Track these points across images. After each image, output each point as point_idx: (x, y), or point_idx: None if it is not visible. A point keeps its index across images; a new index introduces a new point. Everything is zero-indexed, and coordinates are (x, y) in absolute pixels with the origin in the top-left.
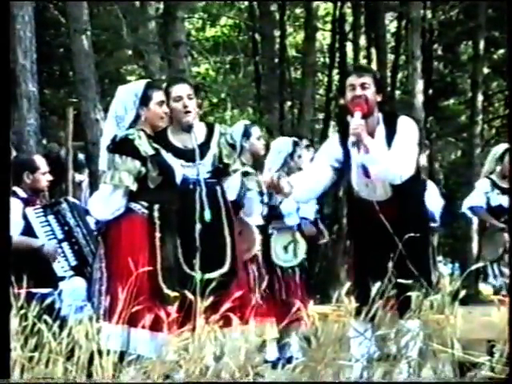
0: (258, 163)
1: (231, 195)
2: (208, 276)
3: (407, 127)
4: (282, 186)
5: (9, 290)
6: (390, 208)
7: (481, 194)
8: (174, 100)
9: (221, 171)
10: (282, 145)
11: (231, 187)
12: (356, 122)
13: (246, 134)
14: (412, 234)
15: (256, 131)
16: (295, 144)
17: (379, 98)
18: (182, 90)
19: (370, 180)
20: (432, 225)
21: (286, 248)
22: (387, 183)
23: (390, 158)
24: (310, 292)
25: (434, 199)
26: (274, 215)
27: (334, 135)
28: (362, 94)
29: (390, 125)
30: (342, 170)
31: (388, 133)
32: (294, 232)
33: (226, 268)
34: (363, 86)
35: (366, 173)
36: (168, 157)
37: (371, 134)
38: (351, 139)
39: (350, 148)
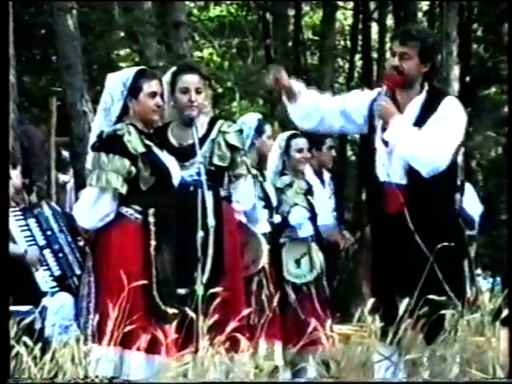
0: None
1: (246, 205)
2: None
3: (451, 108)
4: (288, 85)
5: (9, 290)
6: (410, 198)
7: None
8: (179, 91)
9: (211, 174)
10: (276, 141)
11: (244, 196)
12: (381, 100)
13: (259, 130)
14: (446, 244)
15: (269, 129)
16: (290, 137)
17: (425, 69)
18: (190, 81)
19: (388, 156)
20: (469, 233)
21: (298, 262)
22: (401, 168)
23: (420, 139)
24: (330, 312)
25: (472, 204)
26: (286, 224)
27: (371, 92)
28: (399, 65)
29: (432, 101)
30: (355, 126)
31: (425, 108)
32: (309, 244)
33: (202, 281)
34: (402, 56)
35: (385, 143)
36: (162, 155)
37: (403, 107)
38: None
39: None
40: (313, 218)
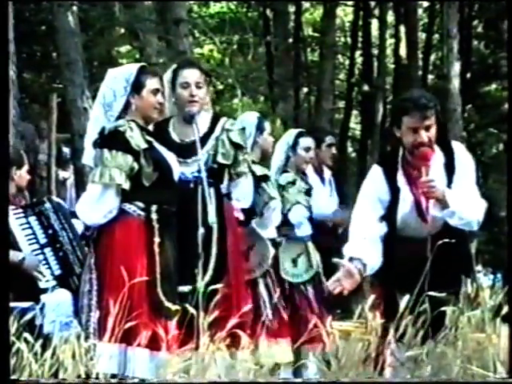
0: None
1: (245, 203)
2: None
3: (467, 159)
4: (357, 277)
5: (9, 289)
6: (434, 243)
7: None
8: (180, 86)
9: (213, 171)
10: (284, 137)
11: (244, 194)
12: (428, 181)
13: (260, 128)
14: (447, 240)
15: (268, 126)
16: (299, 135)
17: (437, 126)
18: (190, 75)
19: (424, 223)
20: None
21: (295, 261)
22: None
23: (468, 204)
24: (328, 310)
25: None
26: (284, 222)
27: (375, 172)
28: (428, 140)
29: (447, 152)
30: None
31: (447, 169)
32: (306, 243)
33: (206, 279)
34: (427, 129)
35: (423, 217)
36: (163, 151)
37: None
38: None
39: (401, 185)
40: (311, 217)
